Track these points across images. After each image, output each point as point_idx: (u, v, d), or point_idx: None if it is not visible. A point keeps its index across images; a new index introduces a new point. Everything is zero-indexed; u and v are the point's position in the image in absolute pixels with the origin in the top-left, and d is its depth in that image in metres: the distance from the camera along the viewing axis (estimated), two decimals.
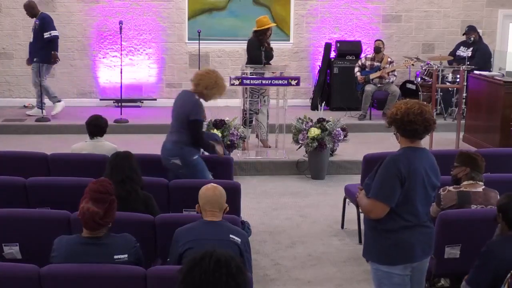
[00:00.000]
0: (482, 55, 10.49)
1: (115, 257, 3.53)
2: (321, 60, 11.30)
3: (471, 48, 10.58)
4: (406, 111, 3.53)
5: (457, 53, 10.79)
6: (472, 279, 3.72)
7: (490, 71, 10.07)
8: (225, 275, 2.34)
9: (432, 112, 3.62)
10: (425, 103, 3.70)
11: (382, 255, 3.62)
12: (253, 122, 8.50)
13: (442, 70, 10.14)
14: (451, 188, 4.54)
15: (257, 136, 8.62)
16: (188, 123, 5.48)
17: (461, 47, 10.80)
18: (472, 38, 10.59)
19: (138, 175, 4.53)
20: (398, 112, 3.55)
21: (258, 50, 8.38)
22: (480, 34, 10.89)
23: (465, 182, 4.59)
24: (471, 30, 10.67)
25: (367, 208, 3.63)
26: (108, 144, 5.90)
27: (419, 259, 3.67)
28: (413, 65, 10.65)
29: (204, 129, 5.88)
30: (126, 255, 3.56)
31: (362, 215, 5.68)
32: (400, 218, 3.55)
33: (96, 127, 5.88)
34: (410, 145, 3.60)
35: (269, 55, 8.51)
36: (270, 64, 8.52)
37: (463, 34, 10.86)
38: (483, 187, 4.59)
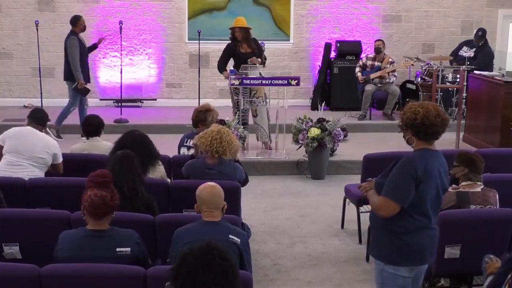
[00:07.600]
0: (485, 56, 10.44)
1: (118, 249, 3.54)
2: (321, 60, 11.30)
3: (474, 49, 10.55)
4: (425, 114, 3.44)
5: (459, 53, 10.75)
6: (494, 286, 3.59)
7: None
8: (217, 257, 2.42)
9: (444, 112, 3.57)
10: (435, 103, 3.64)
11: (392, 255, 3.57)
12: (248, 123, 8.42)
13: (442, 70, 10.13)
14: (450, 188, 4.52)
15: (258, 139, 8.57)
16: None
17: (464, 47, 10.75)
18: (480, 44, 10.51)
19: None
20: (418, 117, 3.44)
21: (221, 57, 8.43)
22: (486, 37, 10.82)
23: (463, 183, 4.60)
24: (482, 37, 10.47)
25: (377, 205, 3.54)
26: (105, 144, 5.90)
27: (427, 262, 3.67)
28: (412, 65, 10.65)
29: None
30: (129, 249, 3.58)
31: (362, 215, 5.73)
32: (412, 220, 3.50)
33: (88, 126, 5.96)
34: (426, 147, 3.53)
35: (244, 58, 8.19)
36: (256, 65, 8.16)
37: (474, 35, 10.64)
38: (482, 186, 4.59)
